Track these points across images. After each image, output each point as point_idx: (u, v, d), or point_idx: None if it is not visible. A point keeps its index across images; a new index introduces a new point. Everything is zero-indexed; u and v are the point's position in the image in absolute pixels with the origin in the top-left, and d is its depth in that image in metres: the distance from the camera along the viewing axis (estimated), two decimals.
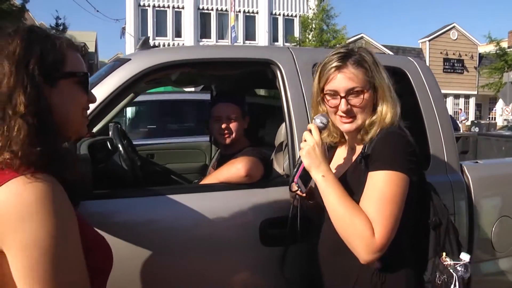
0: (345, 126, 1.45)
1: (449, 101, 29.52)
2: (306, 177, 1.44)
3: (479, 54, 30.32)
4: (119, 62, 1.95)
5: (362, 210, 1.30)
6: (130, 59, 1.91)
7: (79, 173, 1.28)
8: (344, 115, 1.42)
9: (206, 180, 1.97)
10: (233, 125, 2.18)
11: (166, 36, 24.03)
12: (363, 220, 1.27)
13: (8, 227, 0.83)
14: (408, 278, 1.41)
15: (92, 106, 1.68)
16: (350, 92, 1.39)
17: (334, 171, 1.50)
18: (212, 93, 3.28)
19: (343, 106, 1.40)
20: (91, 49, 34.28)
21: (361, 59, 1.41)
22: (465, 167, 2.25)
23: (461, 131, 15.02)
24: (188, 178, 3.38)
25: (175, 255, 1.73)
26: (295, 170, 1.47)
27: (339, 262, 1.45)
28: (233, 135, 2.19)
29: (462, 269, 1.43)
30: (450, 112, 26.01)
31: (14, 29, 0.99)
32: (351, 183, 1.41)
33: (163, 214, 1.75)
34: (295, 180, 1.44)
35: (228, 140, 2.20)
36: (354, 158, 1.49)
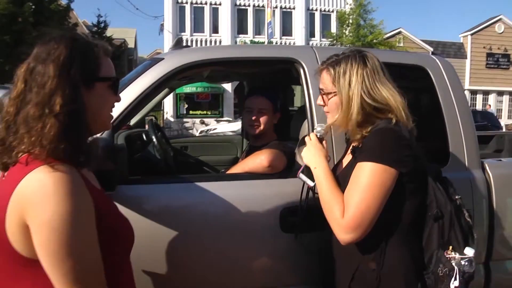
0: (327, 119, 1.66)
1: (492, 98, 28.48)
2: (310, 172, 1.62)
3: None
4: (153, 61, 2.12)
5: (340, 196, 1.46)
6: (163, 59, 2.07)
7: (109, 163, 1.44)
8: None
9: (232, 170, 2.11)
10: (262, 118, 2.31)
11: (203, 32, 24.38)
12: (338, 205, 1.43)
13: (30, 207, 0.98)
14: (407, 267, 1.49)
15: (128, 102, 1.86)
16: (321, 90, 1.63)
17: (343, 162, 1.65)
18: (244, 89, 3.44)
19: (318, 101, 1.67)
20: (131, 45, 35.21)
21: (333, 65, 1.56)
22: (486, 165, 2.28)
23: (504, 130, 14.56)
24: (219, 170, 3.52)
25: (201, 239, 1.88)
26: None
27: (347, 247, 1.52)
28: (261, 127, 2.32)
29: (466, 264, 1.48)
30: (493, 110, 25.07)
31: (60, 36, 1.14)
32: (347, 174, 1.52)
33: (189, 199, 1.90)
34: (298, 174, 1.65)
35: (256, 131, 2.33)
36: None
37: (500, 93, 28.99)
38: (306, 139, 1.66)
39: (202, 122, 21.51)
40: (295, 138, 2.50)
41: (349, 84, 1.51)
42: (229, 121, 19.70)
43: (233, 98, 24.64)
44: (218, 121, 21.16)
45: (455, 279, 1.46)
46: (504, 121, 24.81)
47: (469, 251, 1.50)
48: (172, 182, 1.96)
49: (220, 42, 24.24)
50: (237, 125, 15.68)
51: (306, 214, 1.77)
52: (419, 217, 1.53)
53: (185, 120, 22.92)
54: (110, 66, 1.21)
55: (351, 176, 1.45)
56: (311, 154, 1.60)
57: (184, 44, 2.45)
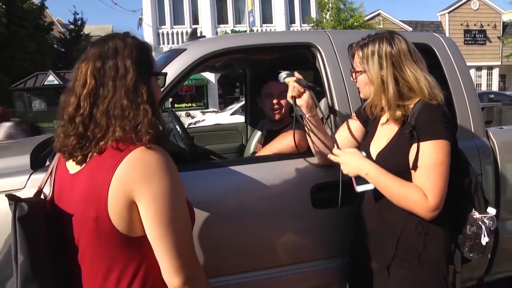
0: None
1: (471, 73, 28.73)
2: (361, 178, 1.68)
3: (503, 22, 29.51)
4: (174, 52, 2.19)
5: (408, 182, 1.56)
6: (185, 49, 2.14)
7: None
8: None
9: (261, 153, 2.22)
10: (283, 101, 2.43)
11: (184, 24, 24.18)
12: (415, 191, 1.54)
13: (138, 185, 1.08)
14: (445, 229, 1.65)
15: None
16: (352, 69, 1.76)
17: (379, 141, 1.74)
18: (247, 77, 3.52)
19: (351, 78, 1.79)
20: None
21: (363, 46, 1.68)
22: (490, 133, 2.43)
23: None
24: (227, 158, 3.61)
25: (239, 219, 1.98)
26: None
27: (385, 217, 1.69)
28: (283, 110, 2.44)
29: (489, 221, 1.65)
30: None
31: (122, 34, 1.23)
32: (396, 150, 1.64)
33: (227, 183, 2.00)
34: (356, 190, 1.67)
35: (278, 116, 2.45)
36: (394, 129, 1.70)
37: (479, 68, 29.54)
38: (338, 153, 1.71)
39: (188, 115, 21.45)
40: None
41: (380, 66, 1.62)
42: (215, 112, 19.68)
43: (217, 89, 24.59)
44: (203, 113, 21.12)
45: (484, 235, 1.63)
46: None
47: (491, 210, 1.68)
48: (207, 168, 2.05)
49: (201, 33, 24.02)
50: (224, 116, 15.68)
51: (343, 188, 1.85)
52: (457, 184, 1.65)
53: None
54: (156, 63, 1.31)
55: (418, 157, 1.54)
56: (352, 165, 1.64)
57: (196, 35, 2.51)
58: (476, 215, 1.67)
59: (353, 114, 1.97)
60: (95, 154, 1.14)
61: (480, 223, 1.65)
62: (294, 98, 1.84)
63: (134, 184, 1.08)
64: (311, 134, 1.89)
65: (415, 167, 1.55)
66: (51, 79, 17.28)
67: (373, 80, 1.64)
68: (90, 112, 1.14)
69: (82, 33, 31.59)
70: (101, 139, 1.13)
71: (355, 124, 1.92)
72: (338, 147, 1.73)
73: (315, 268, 2.10)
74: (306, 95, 1.82)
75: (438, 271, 1.64)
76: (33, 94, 18.13)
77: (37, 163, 2.01)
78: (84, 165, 1.16)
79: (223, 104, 23.95)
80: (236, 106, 16.29)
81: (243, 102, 16.29)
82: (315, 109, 1.86)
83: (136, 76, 1.15)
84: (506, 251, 2.47)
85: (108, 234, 1.11)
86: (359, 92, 1.82)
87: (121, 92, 1.13)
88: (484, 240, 1.63)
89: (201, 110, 23.05)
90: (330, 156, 1.73)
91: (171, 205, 1.10)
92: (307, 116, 1.85)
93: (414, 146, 1.56)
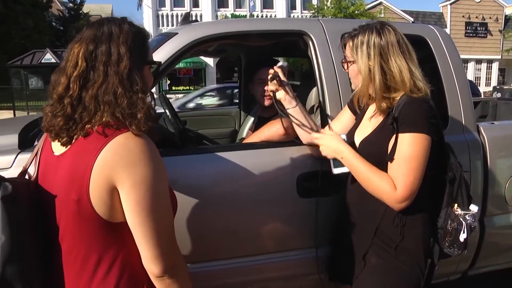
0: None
1: (471, 66, 28.93)
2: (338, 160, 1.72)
3: (505, 16, 29.39)
4: (166, 36, 2.16)
5: (381, 171, 1.57)
6: (177, 33, 2.12)
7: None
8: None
9: (249, 139, 2.21)
10: None
11: (183, 6, 23.97)
12: (385, 179, 1.55)
13: (120, 170, 1.07)
14: (424, 223, 1.66)
15: None
16: (344, 60, 1.76)
17: (364, 129, 1.74)
18: (242, 62, 3.50)
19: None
20: None
21: (354, 36, 1.67)
22: (481, 128, 2.43)
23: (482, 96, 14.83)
24: (219, 143, 3.61)
25: (224, 206, 1.98)
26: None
27: (365, 206, 1.69)
28: None
29: (471, 219, 1.66)
30: (472, 78, 25.52)
31: (118, 19, 1.20)
32: (379, 139, 1.64)
33: (212, 169, 1.99)
34: (332, 172, 1.70)
35: (268, 102, 2.45)
36: (379, 119, 1.70)
37: (479, 61, 29.49)
38: (318, 136, 1.75)
39: None
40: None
41: (368, 56, 1.61)
42: (213, 96, 19.58)
43: (215, 73, 24.47)
44: (202, 97, 20.99)
45: (463, 232, 1.63)
46: (482, 88, 25.29)
47: (473, 207, 1.68)
48: (194, 153, 2.04)
49: (201, 16, 23.87)
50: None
51: (325, 179, 1.88)
52: (438, 179, 1.66)
53: (168, 96, 22.62)
54: (151, 51, 1.29)
55: (395, 148, 1.54)
56: (331, 147, 1.68)
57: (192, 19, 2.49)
58: (458, 211, 1.67)
59: (345, 105, 1.96)
60: (80, 137, 1.13)
61: (461, 219, 1.65)
62: (273, 92, 1.88)
63: (116, 170, 1.07)
64: (296, 125, 1.90)
65: (391, 158, 1.55)
66: (49, 57, 17.08)
67: (360, 70, 1.64)
68: (79, 95, 1.13)
69: (81, 11, 31.29)
70: (88, 123, 1.12)
71: (347, 115, 1.92)
72: (318, 131, 1.77)
73: (298, 256, 2.11)
74: (281, 91, 1.86)
75: (414, 263, 1.65)
76: (30, 71, 17.94)
77: (26, 143, 2.00)
78: (69, 147, 1.15)
79: None
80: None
81: None
82: (295, 101, 1.88)
83: (130, 64, 1.13)
84: (491, 246, 2.49)
85: (89, 217, 1.11)
86: (351, 83, 1.81)
87: (114, 79, 1.11)
88: (462, 236, 1.64)
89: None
90: (312, 137, 1.78)
91: (152, 193, 1.10)
92: (289, 107, 1.87)
93: (393, 137, 1.57)
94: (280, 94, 1.87)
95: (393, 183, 1.53)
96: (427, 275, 1.76)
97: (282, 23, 2.40)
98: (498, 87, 23.14)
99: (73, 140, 1.14)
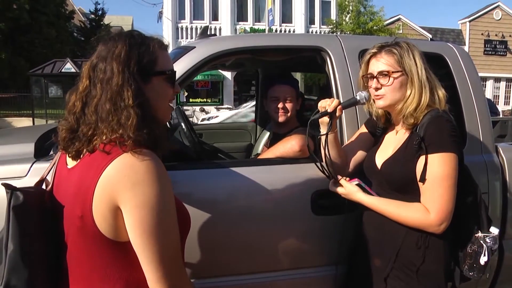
0: (378, 102, 1.71)
1: (489, 84, 28.55)
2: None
3: None
4: (184, 49, 2.19)
5: (407, 203, 1.58)
6: (194, 47, 2.14)
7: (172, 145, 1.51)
8: (375, 92, 1.69)
9: (264, 155, 2.21)
10: (289, 105, 2.42)
11: (203, 19, 24.25)
12: (413, 209, 1.55)
13: (123, 190, 1.04)
14: (446, 245, 1.63)
15: None
16: (380, 73, 1.66)
17: (385, 151, 1.73)
18: (259, 76, 3.52)
19: (374, 84, 1.68)
20: None
21: (393, 48, 1.65)
22: (500, 149, 2.38)
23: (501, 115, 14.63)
24: (235, 157, 3.60)
25: (236, 222, 1.97)
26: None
27: (385, 228, 1.67)
28: (289, 114, 2.43)
29: (491, 241, 1.63)
30: (490, 96, 25.19)
31: (118, 34, 1.20)
32: (403, 158, 1.62)
33: (226, 184, 1.98)
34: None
35: (283, 118, 2.43)
36: (401, 139, 1.69)
37: (497, 80, 29.09)
38: (343, 186, 1.76)
39: (202, 110, 21.52)
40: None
41: (416, 66, 1.60)
42: (229, 109, 19.70)
43: (233, 86, 24.61)
44: (218, 109, 21.15)
45: (484, 255, 1.60)
46: (501, 107, 24.93)
47: (494, 230, 1.66)
48: (208, 167, 2.04)
49: (220, 29, 24.12)
50: (238, 113, 15.69)
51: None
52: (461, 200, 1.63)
53: (185, 108, 22.87)
54: (167, 59, 1.26)
55: (425, 169, 1.53)
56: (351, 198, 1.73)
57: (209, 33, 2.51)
58: (479, 233, 1.65)
59: (363, 124, 1.96)
60: (87, 152, 1.12)
61: (481, 242, 1.63)
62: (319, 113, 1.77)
63: (120, 189, 1.05)
64: (325, 150, 1.83)
65: (423, 179, 1.53)
66: (69, 66, 17.41)
67: (413, 78, 1.61)
68: (82, 111, 1.14)
69: (102, 22, 31.89)
70: (92, 137, 1.12)
71: (365, 135, 1.90)
72: (335, 178, 1.78)
73: (312, 274, 2.08)
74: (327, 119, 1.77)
75: (436, 286, 1.62)
76: (50, 80, 18.28)
77: (41, 152, 2.02)
78: (78, 161, 1.15)
79: (238, 101, 23.97)
80: (250, 103, 16.29)
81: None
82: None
83: (121, 80, 1.12)
84: (510, 270, 2.42)
85: (92, 235, 1.09)
86: (367, 102, 1.79)
87: (106, 96, 1.12)
88: (483, 259, 1.60)
89: (215, 106, 23.10)
90: (331, 187, 1.80)
91: (156, 214, 1.06)
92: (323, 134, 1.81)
93: (422, 158, 1.55)
94: (323, 119, 1.78)
95: (424, 209, 1.52)
96: None
97: (300, 38, 2.41)
98: None
99: (82, 155, 1.14)
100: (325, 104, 1.73)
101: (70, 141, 1.15)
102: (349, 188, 1.71)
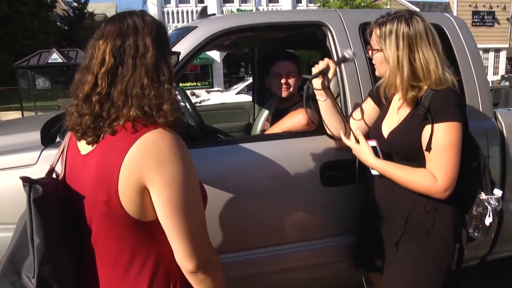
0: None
1: None
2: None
3: None
4: (185, 30, 2.18)
5: (414, 169, 1.62)
6: (196, 27, 2.14)
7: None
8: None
9: (270, 131, 2.24)
10: (291, 80, 2.48)
11: (189, 3, 23.94)
12: (420, 176, 1.59)
13: (150, 170, 1.04)
14: (453, 208, 1.69)
15: None
16: (369, 47, 1.77)
17: (392, 119, 1.77)
18: (255, 55, 3.53)
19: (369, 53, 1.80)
20: None
21: (383, 25, 1.67)
22: (498, 114, 2.44)
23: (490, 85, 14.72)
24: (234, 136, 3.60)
25: (248, 197, 2.01)
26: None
27: (394, 195, 1.72)
28: (291, 89, 2.48)
29: (495, 202, 1.69)
30: None
31: (141, 13, 1.19)
32: (409, 129, 1.66)
33: (237, 160, 2.02)
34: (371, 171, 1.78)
35: (286, 93, 2.48)
36: (407, 108, 1.72)
37: (486, 51, 29.17)
38: (356, 144, 1.78)
39: (193, 94, 21.34)
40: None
41: (397, 46, 1.62)
42: (220, 91, 19.61)
43: (222, 68, 24.46)
44: (208, 92, 21.03)
45: (489, 216, 1.66)
46: (490, 77, 25.12)
47: (497, 191, 1.72)
48: (217, 145, 2.08)
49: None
50: (229, 95, 15.64)
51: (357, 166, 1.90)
52: (465, 166, 1.67)
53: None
54: (170, 42, 1.28)
55: (433, 139, 1.57)
56: (360, 158, 1.76)
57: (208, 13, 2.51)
58: (483, 196, 1.71)
59: (367, 96, 1.98)
60: (107, 134, 1.10)
61: (486, 204, 1.69)
62: (310, 80, 1.83)
63: (146, 169, 1.05)
64: (324, 116, 1.90)
65: (429, 148, 1.58)
66: (55, 57, 17.12)
67: (389, 60, 1.65)
68: (108, 91, 1.11)
69: (85, 11, 31.32)
70: (115, 119, 1.10)
71: (369, 105, 1.93)
72: (348, 136, 1.82)
73: (324, 245, 2.14)
74: (318, 81, 1.82)
75: (446, 248, 1.69)
76: (37, 72, 17.98)
77: (48, 139, 2.04)
78: (95, 145, 1.13)
79: (228, 83, 23.86)
80: (241, 85, 16.21)
81: (248, 82, 16.02)
82: (326, 95, 1.86)
83: (156, 55, 1.12)
84: (509, 231, 2.50)
85: (119, 217, 1.10)
86: (370, 71, 1.83)
87: (141, 71, 1.10)
88: (488, 220, 1.67)
89: (206, 90, 22.96)
90: (343, 140, 1.82)
91: (183, 191, 1.08)
92: (320, 100, 1.86)
93: (428, 127, 1.59)
94: (317, 84, 1.83)
95: (431, 175, 1.57)
96: (457, 260, 1.80)
97: (301, 14, 2.41)
98: (506, 75, 22.91)
99: (100, 139, 1.12)
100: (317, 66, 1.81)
101: (93, 126, 1.12)
102: (364, 146, 1.74)
